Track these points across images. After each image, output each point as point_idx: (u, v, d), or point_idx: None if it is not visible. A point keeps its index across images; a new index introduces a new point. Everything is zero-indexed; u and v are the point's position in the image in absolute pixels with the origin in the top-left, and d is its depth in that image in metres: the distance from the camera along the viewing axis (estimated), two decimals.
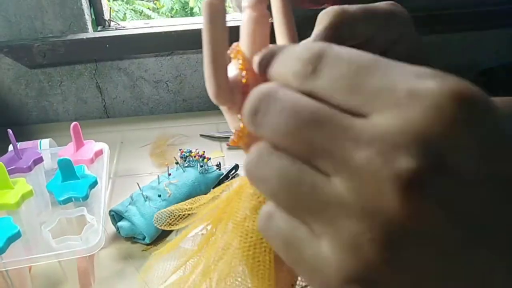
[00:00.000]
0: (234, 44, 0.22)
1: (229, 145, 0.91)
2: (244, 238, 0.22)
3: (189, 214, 0.32)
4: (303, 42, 0.20)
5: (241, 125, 0.21)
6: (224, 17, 0.20)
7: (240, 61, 0.21)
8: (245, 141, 0.21)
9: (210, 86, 0.20)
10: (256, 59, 0.20)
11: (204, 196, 0.32)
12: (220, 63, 0.20)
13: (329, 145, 0.15)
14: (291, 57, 0.18)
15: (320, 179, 0.15)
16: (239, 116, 0.21)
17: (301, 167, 0.16)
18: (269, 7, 0.22)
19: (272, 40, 0.23)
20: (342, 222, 0.15)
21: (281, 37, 0.23)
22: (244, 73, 0.21)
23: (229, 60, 0.22)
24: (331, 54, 0.16)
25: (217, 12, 0.19)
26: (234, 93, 0.21)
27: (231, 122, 0.22)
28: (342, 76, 0.16)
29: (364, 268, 0.14)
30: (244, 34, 0.22)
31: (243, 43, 0.22)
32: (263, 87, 0.18)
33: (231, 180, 0.28)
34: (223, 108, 0.22)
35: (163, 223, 0.35)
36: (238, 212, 0.23)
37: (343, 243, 0.15)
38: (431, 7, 1.10)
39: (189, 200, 0.33)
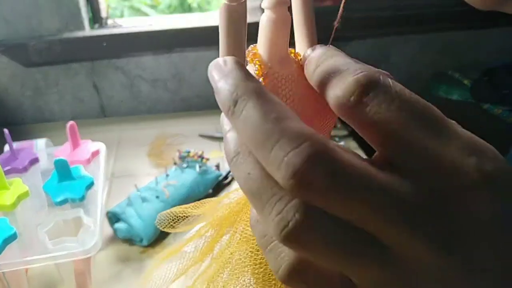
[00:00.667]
0: (251, 46, 0.21)
1: None
2: (255, 254, 0.21)
3: (192, 217, 0.31)
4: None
5: None
6: (245, 21, 0.19)
7: (257, 66, 0.20)
8: None
9: None
10: (316, 75, 0.19)
11: (211, 199, 0.31)
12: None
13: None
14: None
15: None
16: None
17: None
18: (289, 8, 0.21)
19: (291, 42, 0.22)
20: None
21: (300, 38, 0.22)
22: (261, 79, 0.20)
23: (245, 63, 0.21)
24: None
25: (237, 16, 0.18)
26: None
27: None
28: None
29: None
30: (262, 37, 0.21)
31: (261, 46, 0.21)
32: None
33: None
34: None
35: (165, 224, 0.34)
36: (248, 224, 0.22)
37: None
38: (434, 5, 1.09)
39: (194, 203, 0.32)
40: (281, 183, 0.15)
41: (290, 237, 0.15)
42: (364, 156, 0.17)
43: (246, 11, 0.19)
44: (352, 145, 0.90)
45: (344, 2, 0.21)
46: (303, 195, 0.15)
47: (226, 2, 0.19)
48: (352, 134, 0.91)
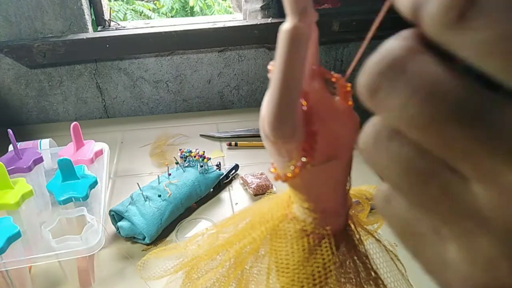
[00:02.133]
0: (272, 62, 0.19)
1: (229, 145, 0.91)
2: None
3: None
4: None
5: (296, 164, 0.19)
6: (308, 45, 0.17)
7: None
8: (296, 181, 0.20)
9: (275, 117, 0.17)
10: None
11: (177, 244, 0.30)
12: (295, 98, 0.17)
13: (476, 148, 0.12)
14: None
15: (455, 181, 0.13)
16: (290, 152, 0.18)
17: (432, 162, 0.13)
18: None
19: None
20: (480, 238, 0.13)
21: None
22: (303, 100, 0.18)
23: None
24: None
25: (302, 40, 0.16)
26: (297, 126, 0.18)
27: (280, 155, 0.19)
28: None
29: (495, 286, 0.13)
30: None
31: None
32: (385, 56, 0.14)
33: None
34: (272, 141, 0.18)
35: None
36: (283, 252, 0.22)
37: (477, 258, 0.13)
38: None
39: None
40: None
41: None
42: None
43: (310, 33, 0.17)
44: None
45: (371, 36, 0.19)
46: None
47: (293, 23, 0.16)
48: None
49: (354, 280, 0.23)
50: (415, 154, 0.14)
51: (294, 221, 0.22)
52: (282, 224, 0.23)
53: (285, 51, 0.16)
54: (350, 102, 0.20)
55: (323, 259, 0.22)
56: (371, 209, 0.27)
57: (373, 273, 0.24)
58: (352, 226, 0.24)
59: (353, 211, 0.24)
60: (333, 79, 0.20)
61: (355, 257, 0.24)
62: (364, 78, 0.14)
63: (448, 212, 0.14)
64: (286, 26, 0.16)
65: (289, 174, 0.19)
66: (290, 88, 0.17)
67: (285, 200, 0.23)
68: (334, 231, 0.22)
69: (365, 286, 0.24)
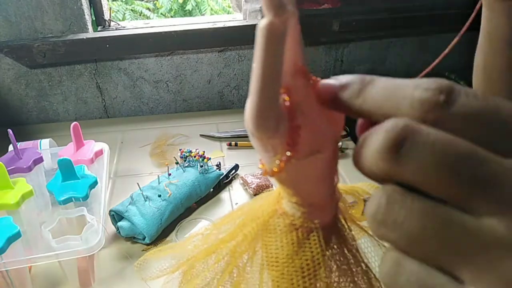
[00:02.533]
0: None
1: (229, 145, 0.91)
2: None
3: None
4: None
5: (281, 159, 0.19)
6: (285, 40, 0.17)
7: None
8: (282, 176, 0.20)
9: (256, 112, 0.18)
10: (332, 86, 0.18)
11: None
12: (274, 92, 0.18)
13: (487, 185, 0.14)
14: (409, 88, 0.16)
15: (470, 220, 0.15)
16: (275, 147, 0.19)
17: (448, 208, 0.15)
18: None
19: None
20: (507, 262, 0.14)
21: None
22: (285, 96, 0.19)
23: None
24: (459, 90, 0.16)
25: (278, 35, 0.17)
26: (279, 120, 0.18)
27: (266, 151, 0.20)
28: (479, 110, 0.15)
29: None
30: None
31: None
32: (400, 121, 0.16)
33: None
34: (258, 136, 0.19)
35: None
36: (273, 246, 0.22)
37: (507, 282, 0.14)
38: (432, 7, 1.10)
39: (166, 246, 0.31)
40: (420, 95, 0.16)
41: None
42: None
43: (287, 29, 0.17)
44: (351, 145, 0.91)
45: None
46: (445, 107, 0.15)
47: (268, 19, 0.16)
48: (350, 135, 0.92)
49: (344, 272, 0.24)
50: (432, 203, 0.15)
51: (283, 216, 0.22)
52: (272, 219, 0.23)
53: (261, 47, 0.17)
54: None
55: (312, 252, 0.22)
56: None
57: (363, 266, 0.25)
58: (342, 219, 0.24)
59: (342, 205, 0.25)
60: (311, 81, 0.20)
61: (345, 250, 0.24)
62: (384, 136, 0.16)
63: (471, 251, 0.15)
64: (262, 22, 0.16)
65: (275, 169, 0.20)
66: (269, 83, 0.17)
67: (275, 196, 0.23)
68: (323, 224, 0.22)
69: (356, 279, 0.24)
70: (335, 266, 0.23)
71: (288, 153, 0.19)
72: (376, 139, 0.16)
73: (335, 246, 0.24)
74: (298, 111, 0.19)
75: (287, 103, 0.19)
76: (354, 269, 0.24)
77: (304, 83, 0.20)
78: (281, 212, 0.22)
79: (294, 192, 0.22)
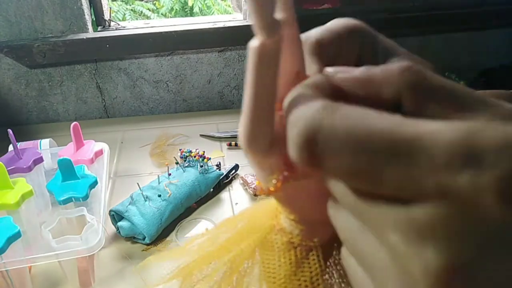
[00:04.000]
0: None
1: (229, 145, 0.91)
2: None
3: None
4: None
5: (278, 178, 0.19)
6: (279, 59, 0.17)
7: None
8: (277, 195, 0.20)
9: (247, 132, 0.17)
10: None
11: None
12: (266, 113, 0.17)
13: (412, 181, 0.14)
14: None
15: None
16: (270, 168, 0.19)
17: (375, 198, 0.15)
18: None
19: None
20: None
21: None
22: (282, 113, 0.18)
23: None
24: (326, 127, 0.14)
25: (270, 56, 0.16)
26: (273, 141, 0.18)
27: (261, 170, 0.19)
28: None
29: None
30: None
31: None
32: (306, 126, 0.15)
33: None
34: (251, 156, 0.18)
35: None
36: (270, 264, 0.22)
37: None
38: (432, 7, 1.10)
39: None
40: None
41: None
42: None
43: (280, 48, 0.17)
44: None
45: None
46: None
47: (260, 40, 0.16)
48: None
49: None
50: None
51: (281, 233, 0.22)
52: (270, 235, 0.22)
53: (252, 67, 0.16)
54: None
55: (311, 272, 0.21)
56: None
57: None
58: None
59: None
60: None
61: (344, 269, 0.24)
62: (295, 153, 0.15)
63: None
64: (254, 43, 0.16)
65: (272, 188, 0.19)
66: (260, 104, 0.17)
67: (273, 210, 0.23)
68: (323, 242, 0.22)
69: None
70: (332, 285, 0.23)
71: (286, 173, 0.18)
72: (291, 133, 0.15)
73: (333, 264, 0.23)
74: None
75: (282, 123, 0.18)
76: None
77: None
78: (278, 228, 0.22)
79: (291, 210, 0.21)
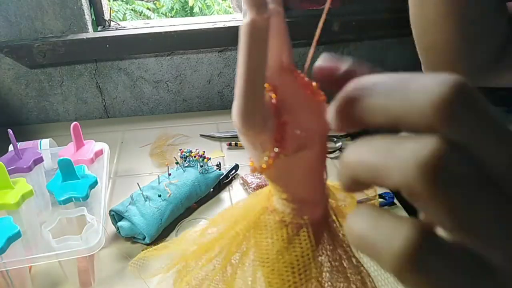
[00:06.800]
0: None
1: (229, 145, 0.91)
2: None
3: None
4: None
5: (269, 155, 0.19)
6: (267, 36, 0.17)
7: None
8: (271, 172, 0.20)
9: (242, 109, 0.18)
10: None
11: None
12: (258, 88, 0.18)
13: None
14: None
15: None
16: (262, 143, 0.19)
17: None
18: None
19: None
20: None
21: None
22: (271, 93, 0.19)
23: None
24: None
25: (260, 33, 0.17)
26: (266, 117, 0.19)
27: (254, 148, 0.20)
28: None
29: None
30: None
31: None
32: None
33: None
34: (245, 133, 0.19)
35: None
36: (263, 243, 0.22)
37: None
38: None
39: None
40: (423, 112, 0.14)
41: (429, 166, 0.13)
42: None
43: (269, 25, 0.17)
44: None
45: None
46: (447, 125, 0.13)
47: (250, 17, 0.16)
48: (350, 135, 0.92)
49: (335, 267, 0.24)
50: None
51: (274, 213, 0.23)
52: (263, 216, 0.23)
53: (244, 45, 0.17)
54: (322, 97, 0.21)
55: (301, 247, 0.22)
56: (358, 201, 0.28)
57: (354, 261, 0.25)
58: (333, 216, 0.24)
59: (333, 201, 0.25)
60: (298, 78, 0.21)
61: (337, 246, 0.24)
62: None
63: None
64: (244, 20, 0.17)
65: (264, 165, 0.20)
66: (253, 80, 0.17)
67: (266, 194, 0.24)
68: (313, 220, 0.23)
69: (348, 274, 0.24)
70: (326, 262, 0.24)
71: (276, 149, 0.19)
72: (410, 152, 0.14)
73: (326, 242, 0.24)
74: (285, 108, 0.20)
75: (274, 100, 0.19)
76: (345, 265, 0.24)
77: (291, 80, 0.20)
78: (271, 209, 0.23)
79: (283, 189, 0.22)
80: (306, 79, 0.21)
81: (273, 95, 0.19)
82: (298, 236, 0.22)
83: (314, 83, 0.21)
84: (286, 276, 0.22)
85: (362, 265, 0.25)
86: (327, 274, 0.24)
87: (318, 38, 0.22)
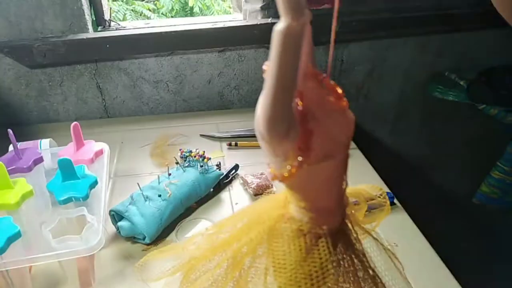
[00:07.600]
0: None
1: (229, 145, 0.91)
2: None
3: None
4: None
5: (293, 164, 0.19)
6: (302, 44, 0.17)
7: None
8: (290, 181, 0.20)
9: (270, 115, 0.17)
10: None
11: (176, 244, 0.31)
12: (290, 95, 0.17)
13: None
14: None
15: None
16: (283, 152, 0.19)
17: None
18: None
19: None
20: None
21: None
22: (298, 100, 0.19)
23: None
24: None
25: (296, 39, 0.16)
26: (291, 125, 0.18)
27: (275, 156, 0.19)
28: None
29: None
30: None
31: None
32: None
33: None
34: (267, 140, 0.18)
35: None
36: (280, 251, 0.22)
37: None
38: (432, 7, 1.10)
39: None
40: None
41: None
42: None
43: (304, 33, 0.17)
44: (355, 153, 0.91)
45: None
46: None
47: (287, 22, 0.16)
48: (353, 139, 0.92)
49: (352, 278, 0.23)
50: None
51: (290, 221, 0.22)
52: (279, 224, 0.23)
53: (279, 51, 0.16)
54: (345, 102, 0.20)
55: (320, 258, 0.22)
56: (370, 208, 0.28)
57: (371, 271, 0.24)
58: (349, 225, 0.24)
59: (350, 210, 0.24)
60: (324, 81, 0.20)
61: (353, 256, 0.24)
62: None
63: None
64: (280, 26, 0.16)
65: (286, 174, 0.19)
66: (285, 87, 0.17)
67: (282, 200, 0.23)
68: (331, 230, 0.22)
69: (363, 284, 0.24)
70: (342, 272, 0.23)
71: (300, 158, 0.19)
72: None
73: (342, 251, 0.23)
74: (310, 115, 0.19)
75: (300, 107, 0.19)
76: (361, 275, 0.24)
77: (315, 86, 0.20)
78: (288, 217, 0.22)
79: (303, 197, 0.21)
80: (332, 82, 0.20)
81: (300, 102, 0.19)
82: (316, 246, 0.22)
83: (339, 88, 0.20)
84: (304, 287, 0.21)
85: (378, 276, 0.25)
86: (343, 284, 0.23)
87: (334, 37, 0.21)
